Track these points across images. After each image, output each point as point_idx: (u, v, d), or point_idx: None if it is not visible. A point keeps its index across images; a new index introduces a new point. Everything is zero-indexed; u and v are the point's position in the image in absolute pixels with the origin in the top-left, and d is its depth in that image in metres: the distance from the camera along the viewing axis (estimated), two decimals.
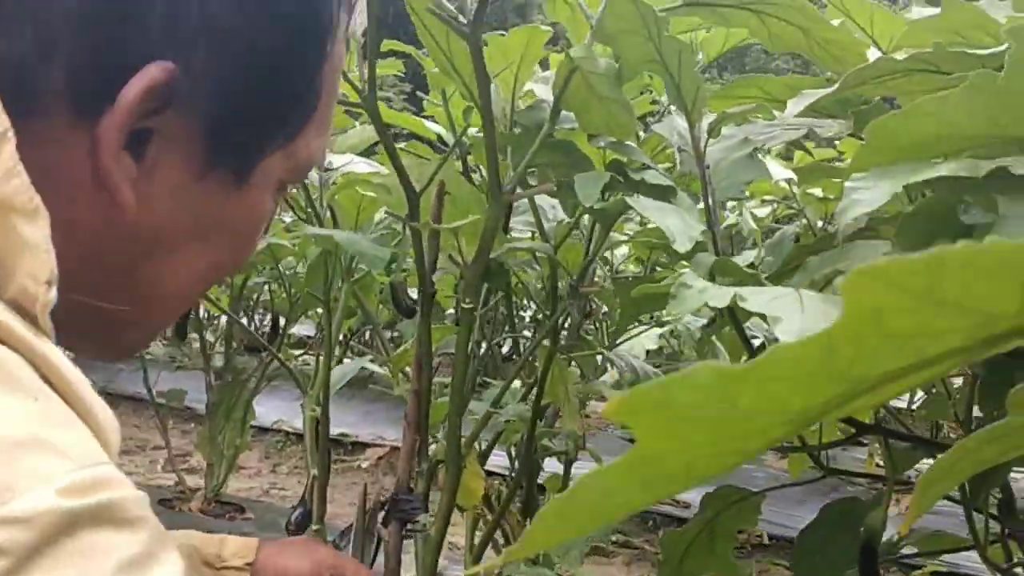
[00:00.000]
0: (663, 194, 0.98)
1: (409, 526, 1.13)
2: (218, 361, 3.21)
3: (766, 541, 3.43)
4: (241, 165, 0.57)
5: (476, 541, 1.58)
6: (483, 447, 1.54)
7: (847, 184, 0.73)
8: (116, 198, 0.52)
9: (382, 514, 1.12)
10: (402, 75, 1.66)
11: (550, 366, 1.20)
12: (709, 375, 0.34)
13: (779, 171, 1.38)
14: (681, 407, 0.34)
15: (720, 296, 0.69)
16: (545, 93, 1.13)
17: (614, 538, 3.58)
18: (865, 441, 4.07)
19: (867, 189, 0.72)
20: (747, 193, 1.07)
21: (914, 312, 0.32)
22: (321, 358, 1.73)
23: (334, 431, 1.89)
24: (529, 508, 1.63)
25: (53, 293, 0.47)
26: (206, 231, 0.58)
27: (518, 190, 1.07)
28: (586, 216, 1.18)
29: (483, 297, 1.34)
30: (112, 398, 3.32)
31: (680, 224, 0.87)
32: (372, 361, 2.37)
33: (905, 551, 1.29)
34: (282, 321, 2.95)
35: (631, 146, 1.09)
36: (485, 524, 1.58)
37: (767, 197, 1.98)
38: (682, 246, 0.85)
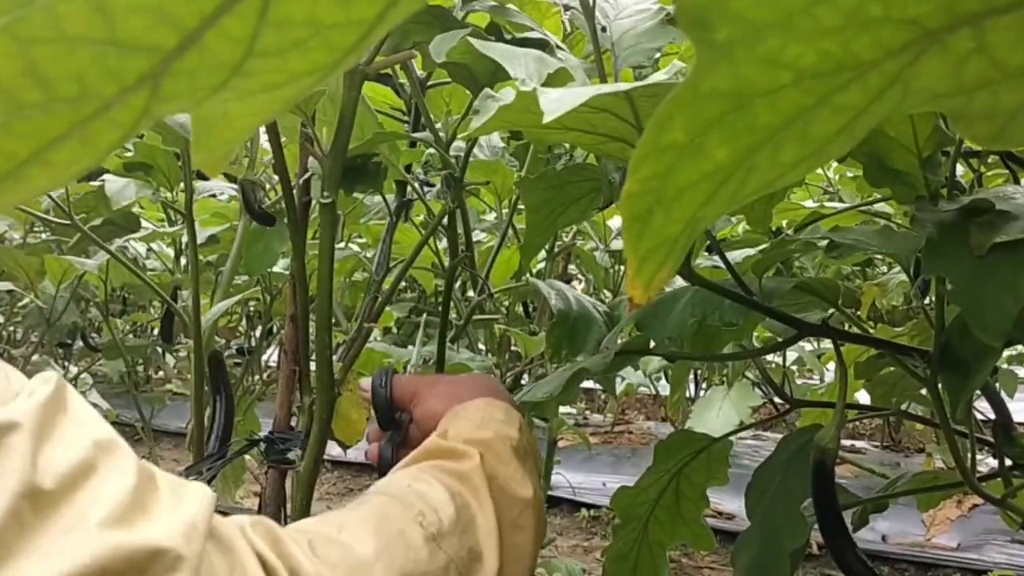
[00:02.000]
0: (536, 47, 0.84)
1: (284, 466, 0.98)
2: None
3: (815, 551, 3.19)
4: None
5: None
6: None
7: None
8: None
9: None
10: None
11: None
12: None
13: None
14: None
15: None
16: None
17: None
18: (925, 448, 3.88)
19: None
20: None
21: None
22: None
23: None
24: None
25: None
26: None
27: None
28: None
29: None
30: (155, 434, 3.22)
31: (532, 68, 0.72)
32: None
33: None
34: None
35: (511, 8, 0.94)
36: None
37: None
38: (527, 85, 0.71)
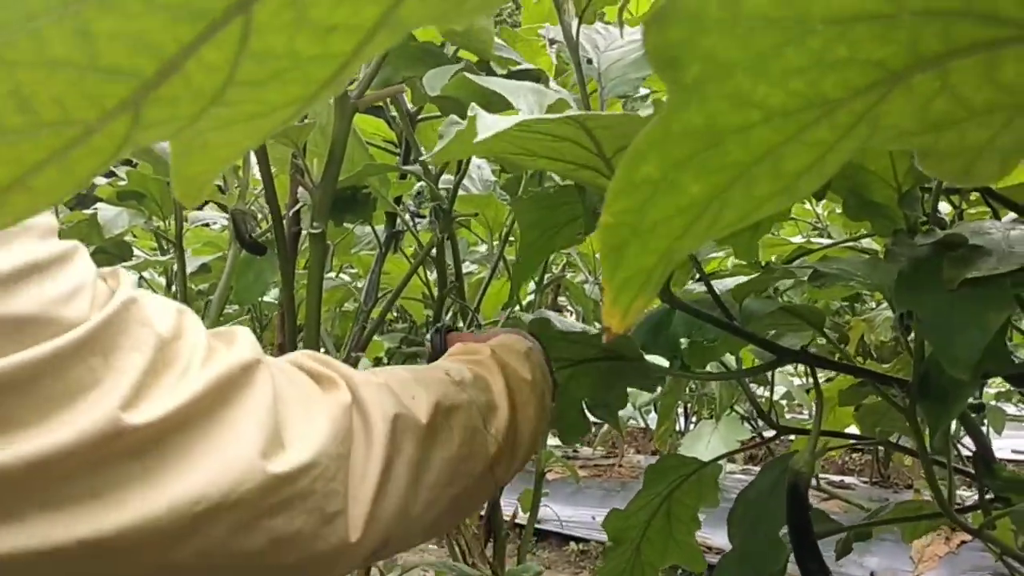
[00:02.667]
0: (530, 78, 0.85)
1: None
2: None
3: None
4: None
5: None
6: None
7: None
8: None
9: None
10: None
11: None
12: None
13: None
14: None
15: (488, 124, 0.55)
16: None
17: None
18: (913, 485, 3.89)
19: None
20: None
21: None
22: None
23: None
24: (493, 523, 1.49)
25: None
26: None
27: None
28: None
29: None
30: None
31: (532, 99, 0.74)
32: None
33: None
34: None
35: (499, 43, 0.95)
36: None
37: None
38: (483, 133, 0.73)
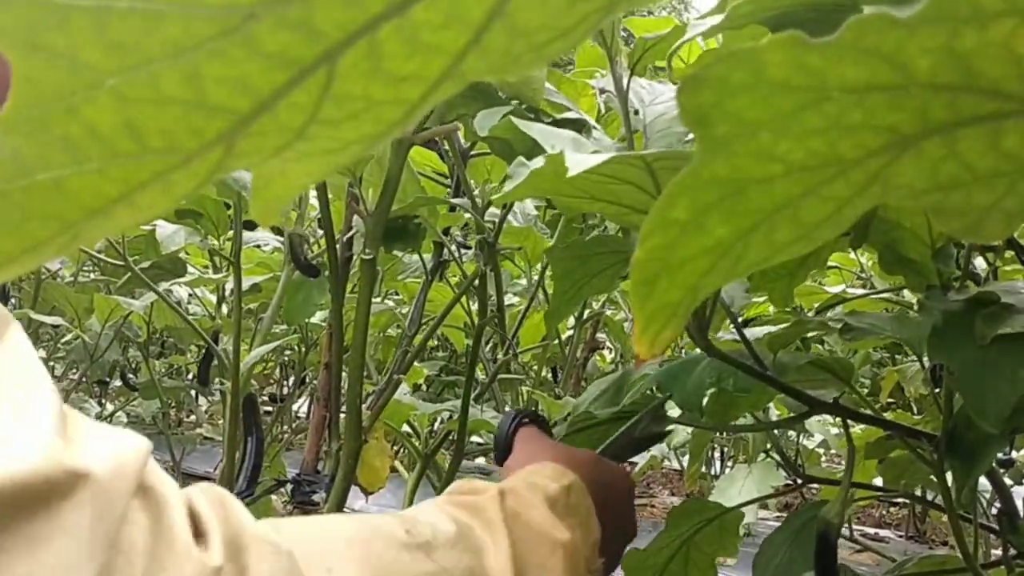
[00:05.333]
0: (574, 127, 0.89)
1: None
2: None
3: None
4: None
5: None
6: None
7: None
8: None
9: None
10: None
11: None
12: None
13: None
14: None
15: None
16: None
17: None
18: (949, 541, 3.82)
19: None
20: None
21: None
22: None
23: None
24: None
25: None
26: None
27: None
28: None
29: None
30: (184, 476, 3.26)
31: (568, 148, 0.77)
32: None
33: None
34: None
35: (550, 87, 0.99)
36: None
37: None
38: (574, 169, 0.76)
